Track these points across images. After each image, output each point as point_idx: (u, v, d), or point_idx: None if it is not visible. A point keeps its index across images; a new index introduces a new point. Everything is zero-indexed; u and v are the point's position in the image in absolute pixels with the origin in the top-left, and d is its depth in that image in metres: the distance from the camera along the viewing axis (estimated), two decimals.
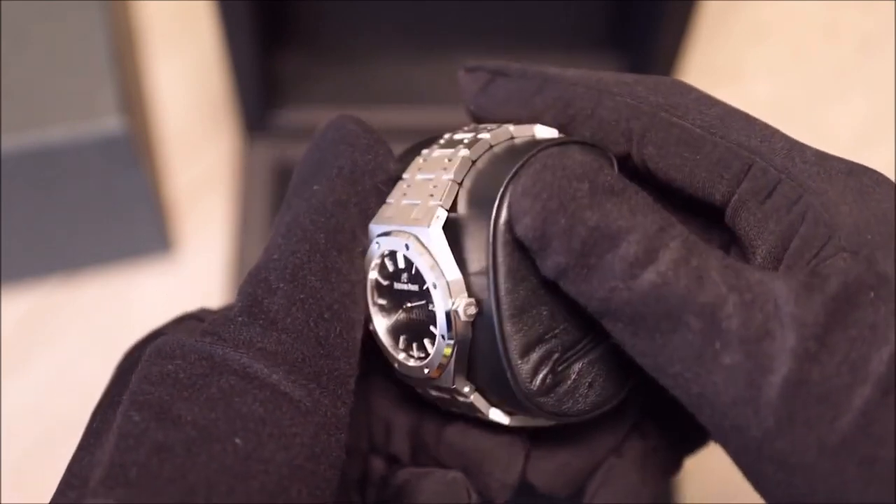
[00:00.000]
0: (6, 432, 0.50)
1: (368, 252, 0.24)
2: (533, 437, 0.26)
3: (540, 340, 0.23)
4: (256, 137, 0.55)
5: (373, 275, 0.24)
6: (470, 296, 0.22)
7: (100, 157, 0.47)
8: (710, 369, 0.19)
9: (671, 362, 0.20)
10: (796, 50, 0.63)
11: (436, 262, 0.23)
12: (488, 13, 0.55)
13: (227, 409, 0.20)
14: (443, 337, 0.23)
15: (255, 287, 0.22)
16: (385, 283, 0.24)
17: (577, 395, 0.23)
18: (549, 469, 0.26)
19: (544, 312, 0.23)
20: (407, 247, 0.23)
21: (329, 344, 0.22)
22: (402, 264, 0.24)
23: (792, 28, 0.63)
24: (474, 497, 0.25)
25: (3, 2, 0.48)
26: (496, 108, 0.25)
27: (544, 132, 0.24)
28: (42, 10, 0.49)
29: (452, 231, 0.23)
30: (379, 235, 0.24)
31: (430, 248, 0.23)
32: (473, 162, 0.23)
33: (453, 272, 0.22)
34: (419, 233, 0.23)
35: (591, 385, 0.23)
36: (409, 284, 0.24)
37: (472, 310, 0.22)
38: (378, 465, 0.28)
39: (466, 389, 0.24)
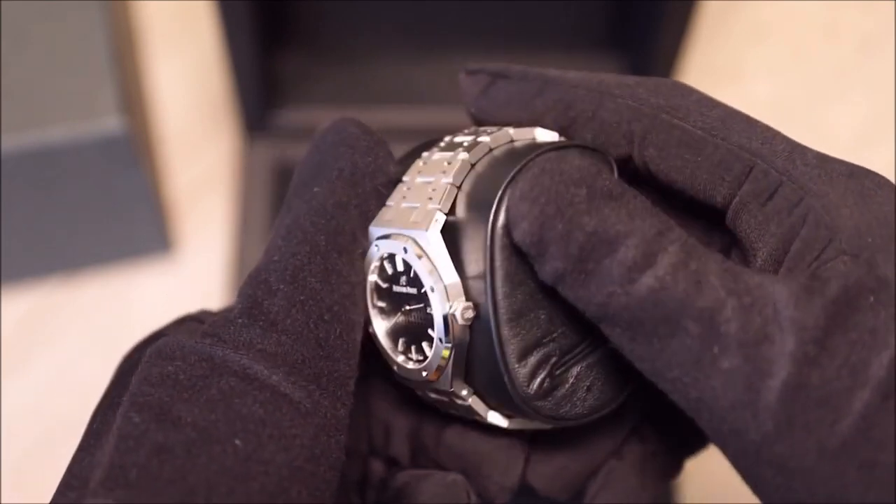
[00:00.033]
0: (6, 432, 0.50)
1: (368, 254, 0.24)
2: (533, 440, 0.26)
3: (538, 344, 0.22)
4: (256, 137, 0.55)
5: (372, 277, 0.24)
6: (468, 299, 0.22)
7: (100, 157, 0.47)
8: (708, 374, 0.19)
9: (669, 367, 0.20)
10: (796, 50, 0.63)
11: (434, 265, 0.23)
12: (488, 13, 0.55)
13: (227, 411, 0.20)
14: (440, 340, 0.23)
15: (255, 289, 0.22)
16: (384, 285, 0.24)
17: (574, 399, 0.23)
18: (549, 472, 0.26)
19: (542, 316, 0.22)
20: (405, 250, 0.23)
21: (329, 345, 0.22)
22: (400, 267, 0.24)
23: (792, 28, 0.63)
24: (474, 499, 0.25)
25: (3, 2, 0.48)
26: (497, 110, 0.25)
27: (545, 135, 0.24)
28: (42, 10, 0.49)
29: (451, 234, 0.23)
30: (378, 238, 0.24)
31: (427, 251, 0.23)
32: (472, 165, 0.23)
33: (451, 276, 0.22)
34: (417, 236, 0.23)
35: (589, 389, 0.23)
36: (408, 287, 0.24)
37: (470, 313, 0.22)
38: (378, 467, 0.28)
39: (464, 392, 0.24)
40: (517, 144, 0.24)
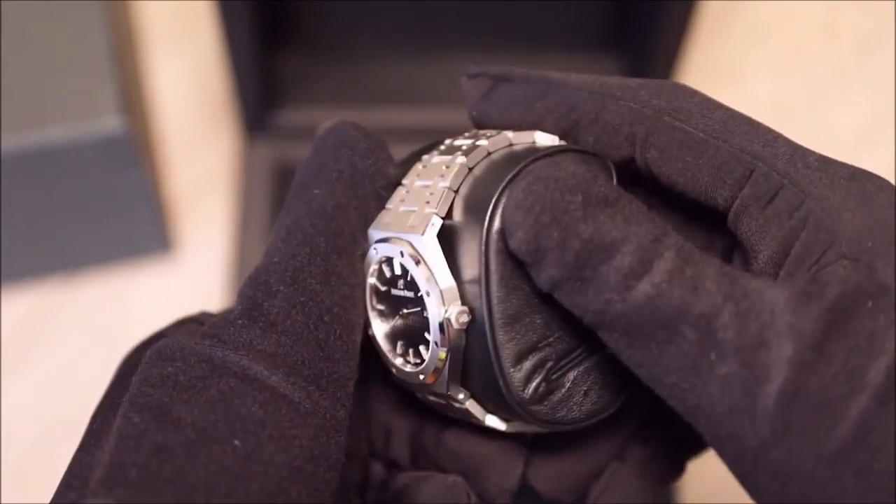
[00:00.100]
0: (6, 432, 0.50)
1: (368, 257, 0.24)
2: (534, 443, 0.26)
3: (533, 349, 0.22)
4: (256, 137, 0.55)
5: (371, 280, 0.24)
6: (464, 303, 0.22)
7: (100, 157, 0.47)
8: (705, 380, 0.19)
9: (667, 373, 0.20)
10: (796, 50, 0.63)
11: (430, 269, 0.23)
12: (488, 13, 0.55)
13: (227, 411, 0.20)
14: (436, 344, 0.23)
15: (255, 290, 0.22)
16: (383, 288, 0.24)
17: (571, 404, 0.23)
18: (552, 474, 0.26)
19: (538, 321, 0.22)
20: (402, 254, 0.23)
21: (329, 346, 0.22)
22: (398, 271, 0.24)
23: (792, 28, 0.63)
24: (474, 500, 0.25)
25: (3, 2, 0.48)
26: (499, 113, 0.25)
27: (544, 139, 0.24)
28: (42, 10, 0.49)
29: (447, 239, 0.23)
30: (377, 241, 0.24)
31: (424, 255, 0.23)
32: (470, 169, 0.23)
33: (447, 280, 0.22)
34: (414, 240, 0.23)
35: (586, 393, 0.23)
36: (406, 291, 0.24)
37: (465, 318, 0.22)
38: (378, 469, 0.28)
39: (461, 396, 0.24)
40: (516, 148, 0.24)
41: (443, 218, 0.23)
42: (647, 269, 0.20)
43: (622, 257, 0.20)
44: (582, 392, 0.23)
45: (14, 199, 0.47)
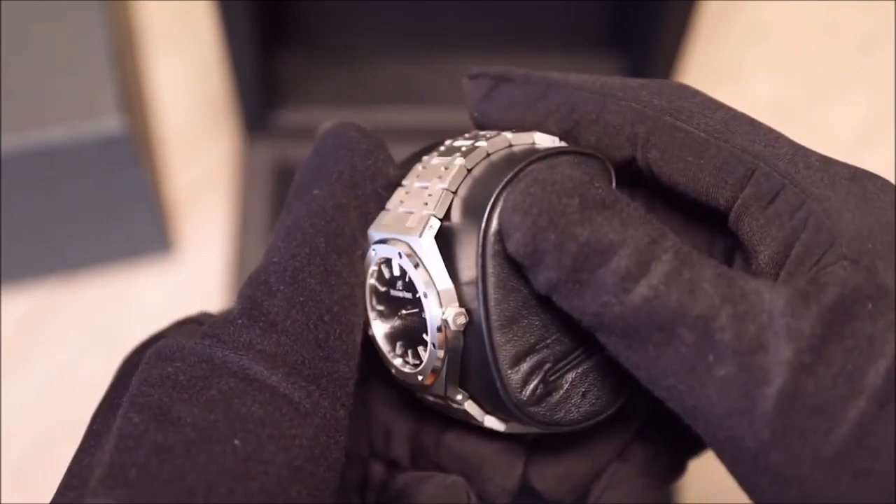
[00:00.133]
0: (6, 432, 0.50)
1: (367, 257, 0.24)
2: (535, 443, 0.26)
3: (531, 350, 0.22)
4: (256, 137, 0.55)
5: (371, 280, 0.24)
6: (461, 305, 0.22)
7: (100, 157, 0.47)
8: (703, 382, 0.19)
9: (665, 375, 0.20)
10: (796, 50, 0.63)
11: (427, 271, 0.23)
12: (488, 13, 0.55)
13: (227, 411, 0.20)
14: (434, 345, 0.23)
15: (254, 290, 0.22)
16: (382, 289, 0.24)
17: (569, 405, 0.23)
18: (553, 475, 0.26)
19: (536, 322, 0.22)
20: (400, 255, 0.23)
21: (328, 346, 0.22)
22: (397, 272, 0.24)
23: (792, 28, 0.63)
24: (474, 500, 0.25)
25: (3, 2, 0.48)
26: (500, 114, 0.25)
27: (543, 140, 0.24)
28: (42, 10, 0.49)
29: (445, 240, 0.23)
30: (376, 242, 0.24)
31: (421, 257, 0.23)
32: (469, 170, 0.23)
33: (444, 282, 0.22)
34: (412, 241, 0.23)
35: (584, 395, 0.23)
36: (404, 292, 0.24)
37: (462, 319, 0.22)
38: (378, 469, 0.28)
39: (459, 397, 0.24)
40: (515, 149, 0.24)
41: (441, 219, 0.23)
42: (645, 271, 0.20)
43: (619, 260, 0.20)
44: (580, 394, 0.23)
45: (14, 199, 0.47)
